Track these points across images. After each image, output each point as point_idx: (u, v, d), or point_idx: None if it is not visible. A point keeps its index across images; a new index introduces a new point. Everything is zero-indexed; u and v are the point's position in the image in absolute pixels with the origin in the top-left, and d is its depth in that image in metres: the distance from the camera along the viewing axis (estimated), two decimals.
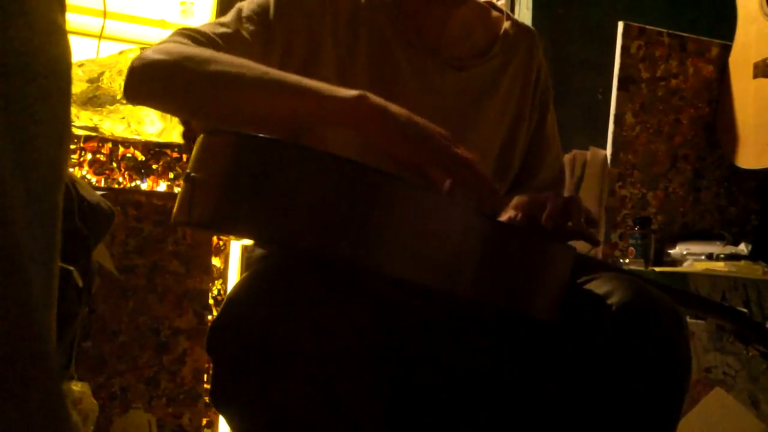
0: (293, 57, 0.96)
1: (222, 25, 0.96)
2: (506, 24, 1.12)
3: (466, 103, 1.05)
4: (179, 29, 0.94)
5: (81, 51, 2.23)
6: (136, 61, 0.88)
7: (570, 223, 0.84)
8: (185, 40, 0.90)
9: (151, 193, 1.97)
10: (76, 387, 1.45)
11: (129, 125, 2.03)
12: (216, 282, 2.08)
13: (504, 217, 0.91)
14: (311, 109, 0.81)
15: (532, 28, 1.18)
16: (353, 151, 0.85)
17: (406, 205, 0.69)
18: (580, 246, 0.86)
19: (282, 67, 0.95)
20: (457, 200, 0.76)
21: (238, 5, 0.99)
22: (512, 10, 2.42)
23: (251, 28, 0.95)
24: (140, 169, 2.03)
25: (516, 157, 1.10)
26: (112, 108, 2.00)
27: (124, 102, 1.97)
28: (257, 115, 0.82)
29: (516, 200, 0.91)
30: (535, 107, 1.13)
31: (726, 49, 2.14)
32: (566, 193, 1.13)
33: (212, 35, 0.92)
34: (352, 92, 0.78)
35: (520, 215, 0.88)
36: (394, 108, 0.78)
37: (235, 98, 0.84)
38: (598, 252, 1.99)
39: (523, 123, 1.10)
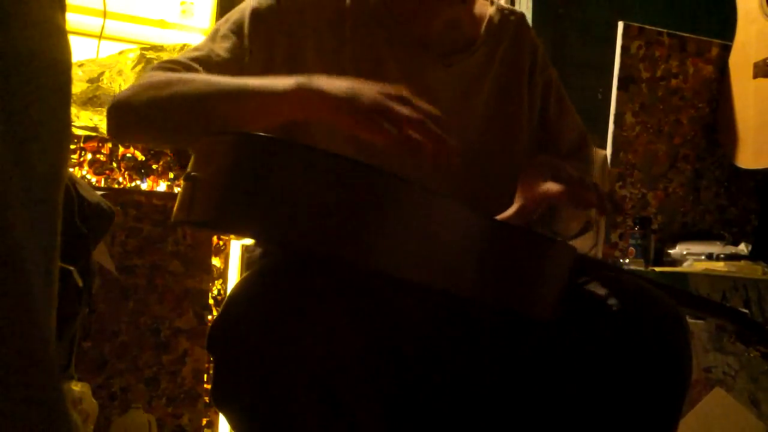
0: (275, 65, 0.96)
1: (196, 49, 0.98)
2: (491, 10, 1.11)
3: (456, 97, 1.04)
4: (157, 63, 0.97)
5: (81, 51, 2.23)
6: (112, 101, 0.93)
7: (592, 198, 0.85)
8: (156, 72, 0.93)
9: (151, 193, 1.97)
10: (76, 387, 1.45)
11: None
12: (216, 282, 2.08)
13: (515, 207, 0.91)
14: (257, 110, 0.83)
15: (518, 10, 1.16)
16: (341, 140, 0.85)
17: (407, 204, 0.69)
18: (580, 246, 0.85)
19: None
20: (408, 153, 0.75)
21: (214, 27, 1.01)
22: None
23: (226, 45, 0.96)
24: (140, 169, 2.03)
25: (518, 137, 1.08)
26: None
27: None
28: (214, 125, 0.83)
29: (522, 196, 0.92)
30: (536, 84, 1.11)
31: (726, 49, 2.14)
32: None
33: (186, 61, 0.95)
34: (290, 81, 0.80)
35: (529, 206, 0.89)
36: (333, 83, 0.79)
37: (187, 116, 0.87)
38: (598, 252, 1.99)
39: (514, 105, 1.08)
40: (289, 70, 0.95)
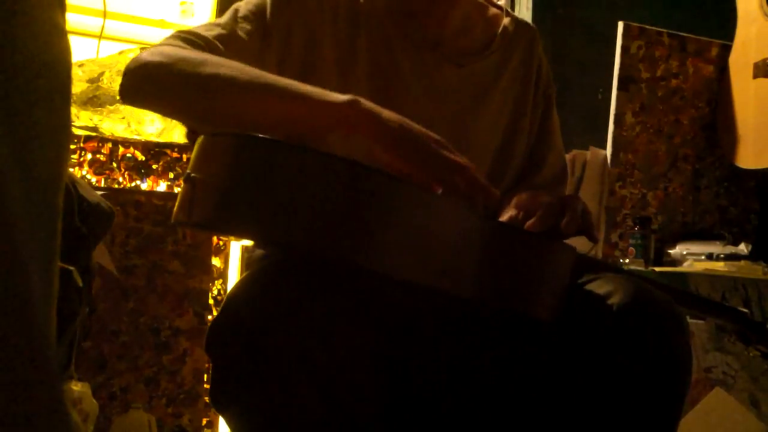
0: (292, 55, 0.96)
1: (218, 26, 0.95)
2: (506, 20, 1.12)
3: (466, 98, 1.05)
4: (176, 32, 0.94)
5: (81, 51, 2.23)
6: (132, 63, 0.89)
7: (562, 224, 0.84)
8: (181, 43, 0.90)
9: (151, 193, 1.97)
10: (76, 387, 1.45)
11: (129, 125, 2.03)
12: (216, 282, 2.08)
13: (504, 217, 0.91)
14: (302, 114, 0.80)
15: (532, 24, 1.18)
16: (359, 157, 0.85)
17: (407, 205, 0.69)
18: (581, 245, 0.85)
19: (280, 65, 0.95)
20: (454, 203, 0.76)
21: (234, 6, 0.99)
22: (512, 9, 2.42)
23: (248, 27, 0.95)
24: (140, 169, 2.03)
25: (516, 152, 1.09)
26: (112, 108, 2.00)
27: None
28: (248, 120, 0.82)
29: (516, 199, 0.91)
30: (538, 103, 1.13)
31: (726, 49, 2.14)
32: (568, 191, 1.13)
33: (209, 37, 0.92)
34: (343, 97, 0.78)
35: (521, 214, 0.88)
36: (386, 113, 0.78)
37: (226, 102, 0.84)
38: (598, 252, 1.99)
39: (523, 118, 1.10)
40: (305, 61, 0.95)
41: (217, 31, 0.94)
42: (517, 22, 1.13)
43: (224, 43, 0.92)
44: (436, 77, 1.02)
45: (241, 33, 0.94)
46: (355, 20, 1.01)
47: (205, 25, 0.98)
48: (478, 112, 1.05)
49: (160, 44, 0.90)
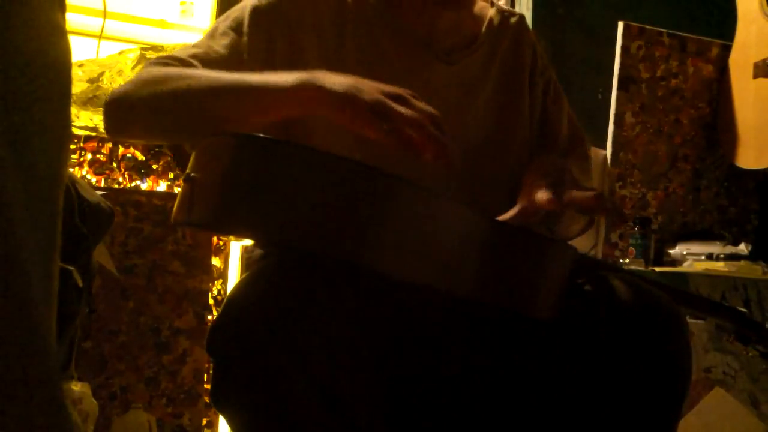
0: (275, 64, 0.96)
1: (195, 46, 0.97)
2: (491, 11, 1.11)
3: (458, 95, 1.04)
4: (153, 59, 0.96)
5: (81, 51, 2.23)
6: (107, 98, 0.92)
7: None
8: (154, 67, 0.92)
9: (151, 193, 1.97)
10: (76, 387, 1.45)
11: None
12: (216, 282, 2.08)
13: (517, 208, 0.91)
14: (257, 104, 0.83)
15: (518, 11, 1.17)
16: (345, 140, 0.85)
17: (406, 205, 0.69)
18: (581, 246, 0.86)
19: None
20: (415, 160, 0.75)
21: (215, 24, 1.00)
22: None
23: (225, 42, 0.96)
24: (140, 169, 2.03)
25: (517, 136, 1.08)
26: None
27: None
28: (213, 123, 0.83)
29: (525, 197, 0.92)
30: (536, 83, 1.11)
31: (726, 49, 2.14)
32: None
33: (182, 57, 0.94)
34: (291, 77, 0.80)
35: (531, 208, 0.89)
36: (332, 80, 0.79)
37: (187, 109, 0.86)
38: (598, 252, 1.99)
39: (519, 102, 1.09)
40: (290, 69, 0.95)
41: (192, 50, 0.96)
42: (502, 13, 1.12)
43: (199, 59, 0.94)
44: (426, 76, 1.02)
45: (217, 47, 0.95)
46: (341, 21, 1.00)
47: (183, 48, 1.00)
48: (470, 106, 1.05)
49: (136, 74, 0.93)
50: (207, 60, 0.94)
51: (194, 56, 0.94)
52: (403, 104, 0.77)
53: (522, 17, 1.15)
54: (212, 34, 0.98)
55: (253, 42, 0.96)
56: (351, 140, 0.84)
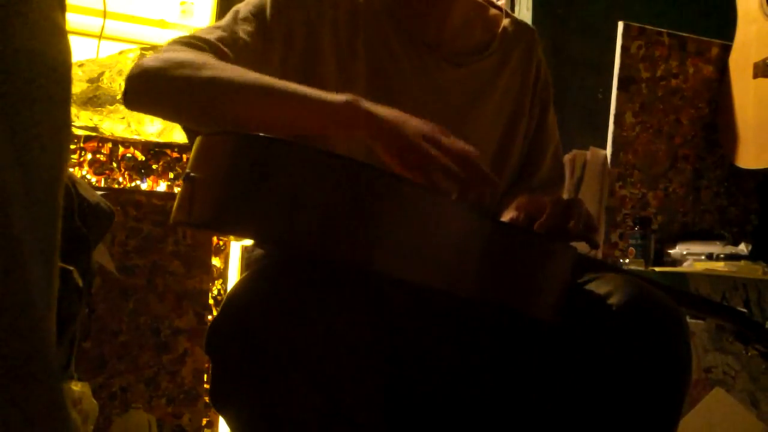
0: (293, 54, 0.96)
1: (219, 28, 0.96)
2: (505, 21, 1.12)
3: (465, 98, 1.05)
4: (178, 37, 0.95)
5: (81, 51, 2.23)
6: (133, 69, 0.90)
7: (570, 225, 0.84)
8: (183, 48, 0.91)
9: (151, 193, 1.97)
10: (76, 387, 1.45)
11: (129, 125, 2.03)
12: (216, 282, 2.08)
13: (506, 217, 0.91)
14: (301, 115, 0.82)
15: (531, 25, 1.18)
16: (361, 156, 0.85)
17: (408, 205, 0.69)
18: (580, 246, 0.86)
19: (283, 64, 0.96)
20: (458, 199, 0.76)
21: (234, 8, 0.99)
22: (512, 9, 2.42)
23: (248, 28, 0.95)
24: (140, 169, 2.03)
25: (514, 152, 1.09)
26: (112, 108, 2.00)
27: None
28: (248, 122, 0.83)
29: (517, 202, 0.91)
30: (536, 104, 1.13)
31: (726, 49, 2.14)
32: (566, 193, 1.13)
33: (210, 40, 0.93)
34: (342, 97, 0.80)
35: (521, 216, 0.88)
36: (384, 111, 0.79)
37: (226, 104, 0.85)
38: (598, 252, 1.99)
39: (521, 119, 1.10)
40: (306, 59, 0.96)
41: (219, 33, 0.94)
42: (517, 23, 1.13)
43: (226, 44, 0.93)
44: (435, 77, 1.03)
45: (242, 34, 0.94)
46: (354, 20, 1.01)
47: (207, 28, 0.99)
48: (477, 112, 1.06)
49: (162, 50, 0.92)
50: (232, 46, 0.93)
51: (221, 40, 0.93)
52: (443, 143, 0.78)
53: (534, 31, 1.16)
54: (234, 18, 0.97)
55: (274, 31, 0.96)
56: (351, 145, 0.85)
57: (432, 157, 0.77)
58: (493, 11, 1.13)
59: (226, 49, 0.92)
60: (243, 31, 0.95)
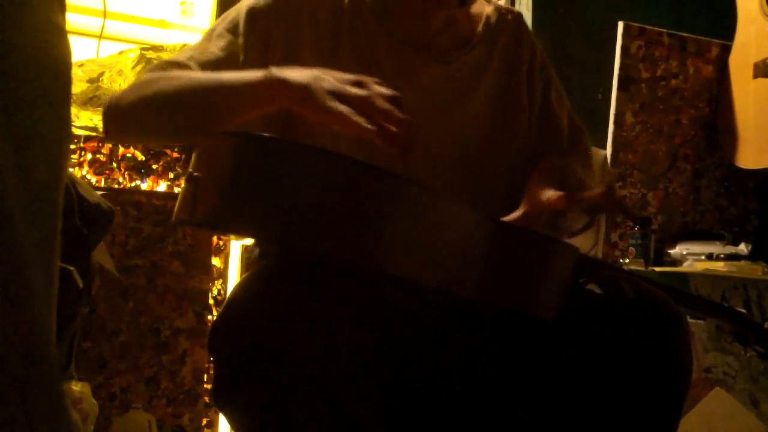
0: (273, 61, 0.95)
1: (192, 49, 0.98)
2: (488, 10, 1.11)
3: (454, 94, 1.04)
4: (155, 64, 0.98)
5: (81, 51, 2.23)
6: (105, 105, 0.95)
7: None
8: (150, 73, 0.94)
9: (151, 193, 1.97)
10: (76, 387, 1.45)
11: None
12: (216, 282, 2.08)
13: (516, 214, 0.91)
14: (229, 101, 0.85)
15: (515, 9, 1.17)
16: (346, 142, 0.85)
17: (409, 205, 0.69)
18: (581, 246, 0.86)
19: None
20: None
21: (212, 26, 1.01)
22: None
23: (221, 43, 0.97)
24: (140, 169, 2.03)
25: (517, 132, 1.07)
26: None
27: None
28: (195, 120, 0.86)
29: (537, 178, 0.92)
30: (536, 83, 1.11)
31: (726, 49, 2.14)
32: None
33: (180, 61, 0.95)
34: (258, 74, 0.82)
35: (536, 209, 0.90)
36: (296, 74, 0.80)
37: (168, 110, 0.89)
38: (598, 252, 1.99)
39: (518, 101, 1.08)
40: (287, 66, 0.95)
41: (190, 53, 0.97)
42: (500, 11, 1.12)
43: (196, 61, 0.95)
44: (421, 75, 1.02)
45: (213, 49, 0.96)
46: (338, 24, 1.00)
47: (181, 51, 1.01)
48: (466, 105, 1.04)
49: (135, 80, 0.97)
50: (203, 61, 0.95)
51: (190, 58, 0.96)
52: (363, 88, 0.78)
53: (519, 14, 1.14)
54: (209, 36, 0.99)
55: (248, 43, 0.96)
56: (350, 141, 0.84)
57: (353, 94, 0.76)
58: (478, 2, 1.12)
59: (195, 67, 0.94)
60: (215, 46, 0.97)
